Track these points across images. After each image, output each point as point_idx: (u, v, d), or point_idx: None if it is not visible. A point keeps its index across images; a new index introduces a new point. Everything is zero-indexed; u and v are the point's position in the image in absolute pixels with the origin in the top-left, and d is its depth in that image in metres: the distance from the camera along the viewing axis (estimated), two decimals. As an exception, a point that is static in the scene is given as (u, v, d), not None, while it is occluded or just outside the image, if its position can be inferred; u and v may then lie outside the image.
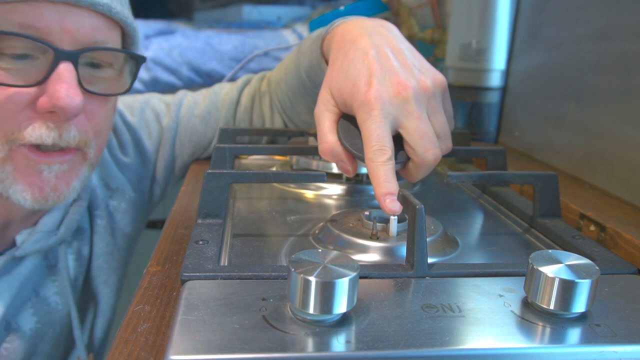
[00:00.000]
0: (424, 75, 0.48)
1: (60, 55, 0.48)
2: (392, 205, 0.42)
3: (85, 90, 0.50)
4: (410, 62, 0.49)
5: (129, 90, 0.57)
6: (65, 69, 0.48)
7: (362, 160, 0.47)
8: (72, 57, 0.49)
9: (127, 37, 0.56)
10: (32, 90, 0.48)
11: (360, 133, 0.47)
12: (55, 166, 0.52)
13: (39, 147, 0.51)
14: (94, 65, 0.52)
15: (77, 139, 0.52)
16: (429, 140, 0.46)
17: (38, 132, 0.49)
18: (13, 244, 0.59)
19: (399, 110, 0.46)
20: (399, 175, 0.48)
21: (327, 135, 0.49)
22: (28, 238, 0.58)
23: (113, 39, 0.53)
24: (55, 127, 0.50)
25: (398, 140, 0.47)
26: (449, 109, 0.51)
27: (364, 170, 0.61)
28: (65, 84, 0.48)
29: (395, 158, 0.46)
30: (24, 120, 0.49)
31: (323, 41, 0.59)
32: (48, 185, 0.52)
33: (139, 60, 0.56)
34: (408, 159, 0.48)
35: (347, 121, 0.50)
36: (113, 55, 0.54)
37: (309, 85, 0.64)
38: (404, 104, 0.46)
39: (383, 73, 0.47)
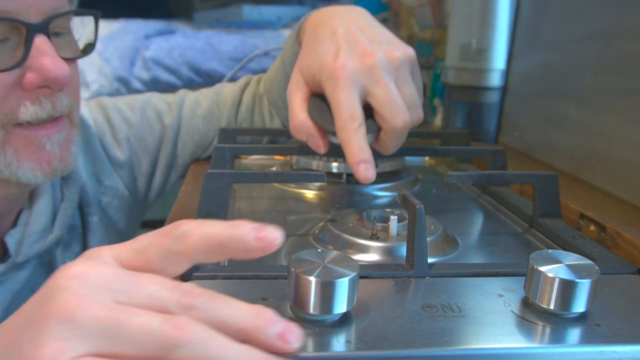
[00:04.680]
0: (392, 47, 0.48)
1: (34, 29, 0.48)
2: (366, 172, 0.42)
3: (63, 58, 0.51)
4: (379, 37, 0.49)
5: (94, 48, 0.57)
6: (42, 42, 0.48)
7: (334, 133, 0.47)
8: (43, 28, 0.49)
9: None
10: (15, 71, 0.48)
11: (330, 108, 0.47)
12: (55, 136, 0.52)
13: (31, 123, 0.51)
14: (55, 34, 0.53)
15: (69, 106, 0.53)
16: (398, 107, 0.46)
17: (31, 109, 0.49)
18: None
19: (365, 78, 0.46)
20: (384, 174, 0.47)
21: (298, 112, 0.49)
22: (23, 241, 0.57)
23: (65, 2, 0.53)
24: (48, 101, 0.50)
25: (369, 113, 0.47)
26: (419, 82, 0.52)
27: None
28: (48, 56, 0.48)
29: (367, 129, 0.46)
30: (14, 101, 0.49)
31: (299, 32, 0.60)
32: (55, 158, 0.53)
33: (97, 17, 0.57)
34: (379, 128, 0.48)
35: (318, 99, 0.50)
36: (68, 19, 0.54)
37: None
38: (371, 71, 0.46)
39: (350, 46, 0.48)
